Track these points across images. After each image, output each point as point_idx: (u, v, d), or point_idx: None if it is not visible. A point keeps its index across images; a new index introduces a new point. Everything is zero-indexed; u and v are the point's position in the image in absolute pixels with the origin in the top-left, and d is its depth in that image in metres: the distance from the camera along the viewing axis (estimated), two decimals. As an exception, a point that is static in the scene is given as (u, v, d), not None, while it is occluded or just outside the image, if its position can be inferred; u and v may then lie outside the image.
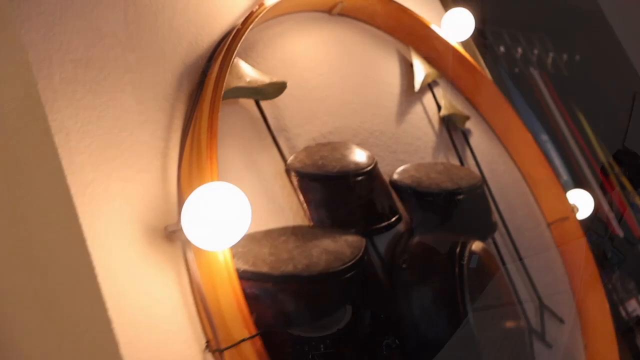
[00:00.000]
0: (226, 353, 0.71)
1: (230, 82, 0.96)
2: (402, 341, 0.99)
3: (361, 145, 1.19)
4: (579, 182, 2.25)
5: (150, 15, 0.95)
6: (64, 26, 0.81)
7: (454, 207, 1.23)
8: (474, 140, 1.57)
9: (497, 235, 1.42)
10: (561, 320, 1.44)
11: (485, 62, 1.88)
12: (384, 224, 1.07)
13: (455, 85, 1.61)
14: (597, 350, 1.44)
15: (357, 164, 1.05)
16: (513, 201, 1.57)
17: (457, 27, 1.52)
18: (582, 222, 1.74)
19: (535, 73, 2.48)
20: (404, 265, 1.05)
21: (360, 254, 0.96)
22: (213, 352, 0.72)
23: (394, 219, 1.09)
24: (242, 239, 0.83)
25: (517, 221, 1.54)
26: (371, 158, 1.11)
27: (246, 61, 1.07)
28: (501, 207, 1.49)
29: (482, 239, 1.31)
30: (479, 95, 1.61)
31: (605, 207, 2.43)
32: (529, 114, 2.26)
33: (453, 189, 1.23)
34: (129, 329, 0.69)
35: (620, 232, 2.37)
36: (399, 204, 1.16)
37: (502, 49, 2.28)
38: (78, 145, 0.74)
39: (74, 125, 0.75)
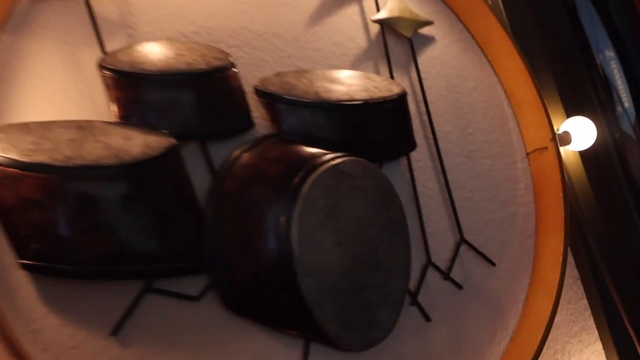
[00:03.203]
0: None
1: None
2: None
3: (237, 47, 1.13)
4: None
5: None
6: None
7: (333, 121, 1.12)
8: (437, 49, 1.36)
9: (426, 160, 1.26)
10: (491, 263, 1.25)
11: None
12: (217, 130, 1.03)
13: (429, -15, 1.39)
14: (533, 302, 1.23)
15: (190, 64, 1.01)
16: (474, 124, 1.35)
17: None
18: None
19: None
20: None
21: (155, 155, 0.94)
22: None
23: (234, 125, 1.04)
24: (9, 126, 0.89)
25: (470, 146, 1.33)
26: (223, 61, 1.05)
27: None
28: (447, 129, 1.31)
29: (382, 159, 1.18)
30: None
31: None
32: (596, 23, 1.86)
33: (334, 100, 1.11)
34: None
35: None
36: (260, 113, 1.09)
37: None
38: None
39: None
